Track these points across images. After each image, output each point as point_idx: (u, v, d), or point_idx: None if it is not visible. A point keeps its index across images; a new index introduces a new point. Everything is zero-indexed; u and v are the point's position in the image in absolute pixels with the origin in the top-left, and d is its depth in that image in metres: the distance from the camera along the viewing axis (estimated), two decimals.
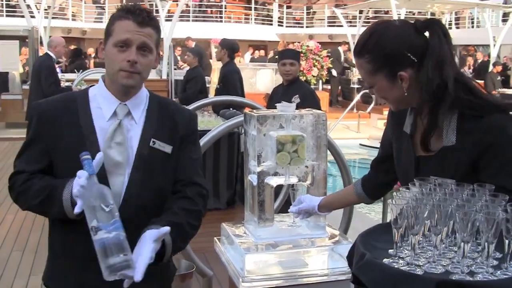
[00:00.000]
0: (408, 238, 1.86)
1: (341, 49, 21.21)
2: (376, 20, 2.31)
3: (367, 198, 2.80)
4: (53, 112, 2.35)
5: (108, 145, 2.31)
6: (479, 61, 23.00)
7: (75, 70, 15.58)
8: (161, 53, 20.42)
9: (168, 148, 2.39)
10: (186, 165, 2.42)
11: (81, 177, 2.10)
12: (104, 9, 29.20)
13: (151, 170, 2.35)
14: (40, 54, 14.12)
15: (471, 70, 23.49)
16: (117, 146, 2.31)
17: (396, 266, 1.81)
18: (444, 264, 1.82)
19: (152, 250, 2.08)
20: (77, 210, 2.09)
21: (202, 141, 3.82)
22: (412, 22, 2.24)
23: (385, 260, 1.85)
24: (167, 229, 2.12)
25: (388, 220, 2.52)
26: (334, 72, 20.09)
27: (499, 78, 17.70)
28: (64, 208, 2.20)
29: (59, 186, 2.23)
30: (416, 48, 2.16)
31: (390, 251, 1.90)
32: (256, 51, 26.64)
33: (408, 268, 1.78)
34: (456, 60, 2.29)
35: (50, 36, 14.68)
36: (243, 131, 6.26)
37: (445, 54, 2.15)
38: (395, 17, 20.58)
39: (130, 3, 2.38)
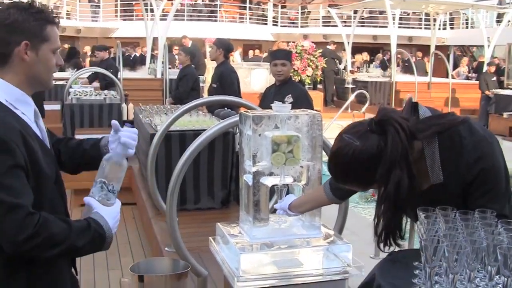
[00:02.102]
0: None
1: (330, 47, 21.20)
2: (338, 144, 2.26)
3: (336, 200, 2.91)
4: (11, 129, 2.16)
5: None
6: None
7: (70, 69, 15.55)
8: (156, 52, 20.43)
9: None
10: None
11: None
12: (99, 7, 29.14)
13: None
14: None
15: (468, 72, 23.61)
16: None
17: None
18: None
19: None
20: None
21: (197, 141, 3.82)
22: (368, 126, 2.23)
23: None
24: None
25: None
26: (329, 73, 20.09)
27: (494, 78, 17.67)
28: (106, 242, 2.29)
29: (94, 223, 2.27)
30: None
31: None
32: (251, 51, 26.65)
33: None
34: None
35: None
36: (238, 131, 6.26)
37: (396, 156, 2.14)
38: (390, 18, 20.63)
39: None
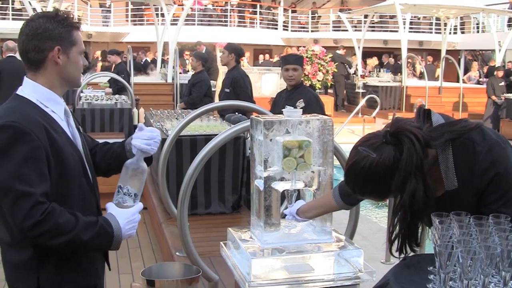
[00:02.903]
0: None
1: (339, 52, 21.21)
2: (355, 155, 2.28)
3: (346, 206, 2.91)
4: (35, 123, 2.36)
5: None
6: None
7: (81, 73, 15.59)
8: (166, 57, 20.48)
9: None
10: None
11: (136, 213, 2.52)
12: (110, 12, 29.23)
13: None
14: None
15: (479, 77, 23.51)
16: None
17: None
18: None
19: None
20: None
21: (209, 145, 3.83)
22: (383, 138, 2.23)
23: None
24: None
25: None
26: (339, 77, 20.08)
27: (502, 83, 17.55)
28: (113, 242, 2.41)
29: (102, 220, 2.41)
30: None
31: None
32: (261, 55, 26.70)
33: None
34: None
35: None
36: (248, 136, 6.25)
37: (411, 166, 2.15)
38: (400, 22, 20.59)
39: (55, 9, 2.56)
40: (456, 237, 1.97)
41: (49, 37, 2.42)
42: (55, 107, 2.49)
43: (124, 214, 2.46)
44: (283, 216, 3.09)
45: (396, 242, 2.28)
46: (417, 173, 2.14)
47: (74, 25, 2.51)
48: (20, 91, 2.46)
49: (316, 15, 32.80)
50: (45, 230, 2.23)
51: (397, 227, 2.24)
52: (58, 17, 2.47)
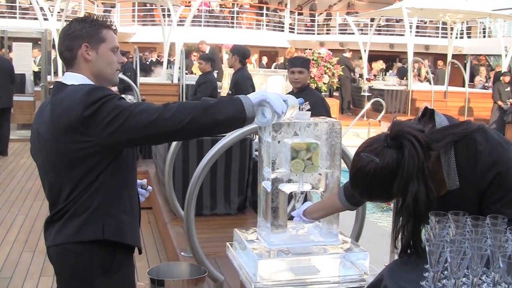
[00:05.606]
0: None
1: (346, 55, 21.21)
2: (359, 163, 2.26)
3: (351, 206, 2.90)
4: None
5: None
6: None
7: None
8: (172, 58, 20.51)
9: None
10: None
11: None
12: (116, 12, 29.27)
13: None
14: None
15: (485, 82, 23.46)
16: None
17: None
18: None
19: None
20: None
21: (216, 146, 3.84)
22: (384, 142, 2.23)
23: None
24: None
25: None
26: (345, 80, 20.10)
27: (508, 88, 17.48)
28: (244, 106, 2.39)
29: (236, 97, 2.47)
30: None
31: None
32: (264, 57, 26.69)
33: None
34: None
35: None
36: (255, 137, 6.24)
37: (413, 169, 2.16)
38: (407, 26, 20.58)
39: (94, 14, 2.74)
40: (450, 237, 1.98)
41: (77, 36, 2.60)
42: None
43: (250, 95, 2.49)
44: (290, 217, 3.10)
45: (399, 244, 2.29)
46: (419, 175, 2.15)
47: (104, 24, 2.67)
48: (65, 81, 2.61)
49: (323, 17, 32.80)
50: (176, 109, 2.37)
51: (401, 230, 2.25)
52: (87, 19, 2.66)
